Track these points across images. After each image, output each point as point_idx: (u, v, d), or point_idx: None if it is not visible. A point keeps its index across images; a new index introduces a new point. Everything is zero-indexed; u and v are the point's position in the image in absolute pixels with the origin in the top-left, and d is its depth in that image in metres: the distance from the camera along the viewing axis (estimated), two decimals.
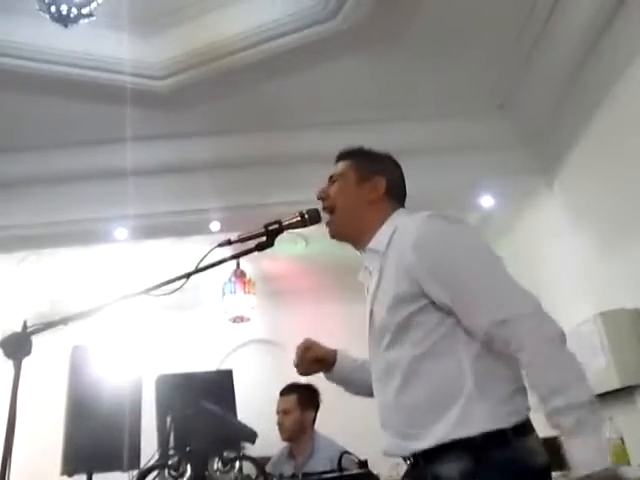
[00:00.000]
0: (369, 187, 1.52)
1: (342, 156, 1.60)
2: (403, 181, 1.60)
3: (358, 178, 1.53)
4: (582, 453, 1.13)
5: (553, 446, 1.32)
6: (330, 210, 1.54)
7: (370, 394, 1.50)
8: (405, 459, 1.41)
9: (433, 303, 1.30)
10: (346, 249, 1.60)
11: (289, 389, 3.26)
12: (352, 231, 1.52)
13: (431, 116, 4.05)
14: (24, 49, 3.30)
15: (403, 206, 1.56)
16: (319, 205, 1.57)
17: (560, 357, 1.19)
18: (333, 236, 1.56)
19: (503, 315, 1.22)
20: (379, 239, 1.44)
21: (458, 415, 1.23)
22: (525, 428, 1.26)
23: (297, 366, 1.65)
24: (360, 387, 1.62)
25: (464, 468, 1.21)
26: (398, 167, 1.61)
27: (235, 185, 4.11)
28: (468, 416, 1.23)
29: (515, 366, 1.28)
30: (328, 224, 1.55)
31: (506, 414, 1.25)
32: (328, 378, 1.69)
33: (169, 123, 3.95)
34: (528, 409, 1.30)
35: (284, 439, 3.16)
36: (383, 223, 1.47)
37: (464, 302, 1.28)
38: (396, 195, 1.56)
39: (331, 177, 1.57)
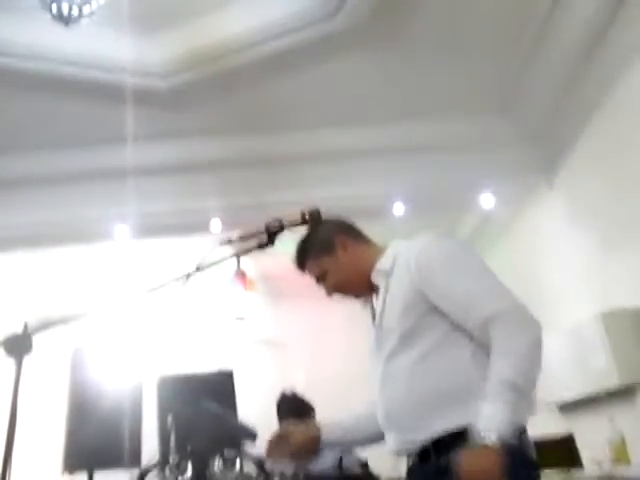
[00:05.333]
0: (341, 251, 1.63)
1: (302, 262, 1.68)
2: (345, 222, 1.72)
3: (329, 257, 1.63)
4: (487, 415, 1.25)
5: (548, 446, 1.35)
6: (345, 293, 1.65)
7: (373, 441, 1.61)
8: (409, 457, 1.44)
9: (435, 307, 1.44)
10: None
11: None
12: (366, 284, 1.61)
13: (431, 116, 4.05)
14: (24, 49, 3.30)
15: (364, 237, 1.69)
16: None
17: (519, 352, 1.30)
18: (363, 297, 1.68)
19: (488, 312, 1.35)
20: (384, 262, 1.57)
21: (468, 404, 1.34)
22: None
23: (268, 456, 1.61)
24: (362, 441, 1.70)
25: None
26: (326, 220, 1.68)
27: (236, 184, 4.11)
28: (476, 405, 1.32)
29: None
30: (355, 298, 1.67)
31: None
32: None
33: (170, 122, 3.95)
34: None
35: None
36: (377, 257, 1.59)
37: (457, 303, 1.41)
38: (356, 233, 1.69)
39: (317, 279, 1.66)
